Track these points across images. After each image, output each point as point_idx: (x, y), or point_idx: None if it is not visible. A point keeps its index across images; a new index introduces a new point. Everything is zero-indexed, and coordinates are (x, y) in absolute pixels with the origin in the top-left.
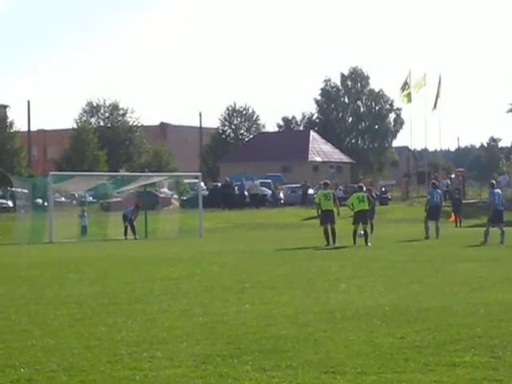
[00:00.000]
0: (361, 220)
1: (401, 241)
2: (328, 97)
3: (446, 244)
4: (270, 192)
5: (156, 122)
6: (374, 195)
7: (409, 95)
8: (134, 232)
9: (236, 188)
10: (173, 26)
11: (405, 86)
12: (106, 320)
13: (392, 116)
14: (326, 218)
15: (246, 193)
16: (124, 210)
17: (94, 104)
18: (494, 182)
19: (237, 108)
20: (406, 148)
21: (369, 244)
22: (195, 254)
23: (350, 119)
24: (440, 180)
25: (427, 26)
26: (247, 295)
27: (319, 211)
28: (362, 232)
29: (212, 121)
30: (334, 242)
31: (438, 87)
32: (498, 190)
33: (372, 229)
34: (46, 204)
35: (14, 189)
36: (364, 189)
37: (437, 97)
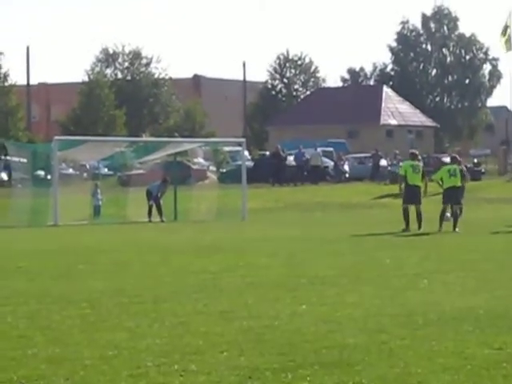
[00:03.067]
0: (452, 199)
1: (499, 226)
2: (406, 43)
3: None
4: (332, 163)
5: (188, 75)
6: (465, 168)
7: (508, 41)
8: (160, 213)
9: (292, 158)
10: None
11: (505, 30)
12: (125, 323)
13: (487, 68)
14: (412, 195)
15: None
16: (148, 186)
17: (111, 51)
18: None
19: (290, 57)
20: (504, 108)
21: (457, 230)
22: (237, 242)
23: (434, 72)
24: None
25: None
26: (303, 293)
27: (402, 186)
28: (449, 214)
29: (259, 73)
30: (420, 226)
31: None
32: None
33: (461, 211)
34: (49, 177)
35: (8, 158)
36: (458, 161)
37: None
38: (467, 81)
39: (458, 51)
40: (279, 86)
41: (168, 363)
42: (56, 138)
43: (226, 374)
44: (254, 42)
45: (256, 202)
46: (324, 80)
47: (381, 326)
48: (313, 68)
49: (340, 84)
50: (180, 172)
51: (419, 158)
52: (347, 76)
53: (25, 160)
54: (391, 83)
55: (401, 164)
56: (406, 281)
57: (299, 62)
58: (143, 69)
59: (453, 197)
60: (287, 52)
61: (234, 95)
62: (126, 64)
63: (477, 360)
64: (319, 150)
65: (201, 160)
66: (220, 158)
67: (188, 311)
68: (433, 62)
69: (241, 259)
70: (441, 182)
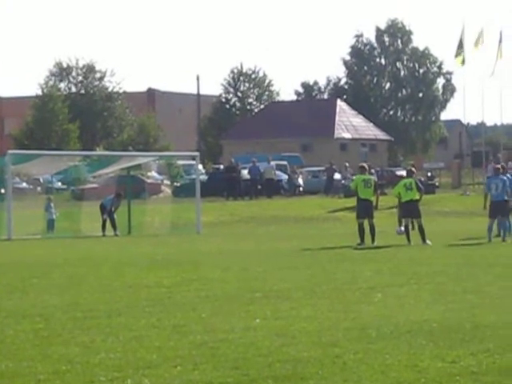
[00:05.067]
0: (410, 213)
1: (452, 239)
2: (360, 57)
3: (510, 244)
4: (286, 177)
5: (142, 88)
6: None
7: (462, 56)
8: (114, 227)
9: (247, 171)
10: None
11: (460, 44)
12: (79, 338)
13: (440, 81)
14: (365, 209)
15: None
16: (102, 200)
17: (64, 65)
18: (497, 166)
19: (244, 71)
20: (457, 122)
21: (428, 242)
22: (192, 255)
23: (388, 85)
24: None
25: None
26: (258, 307)
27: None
28: (403, 228)
29: (213, 87)
30: (373, 240)
31: (499, 47)
32: (503, 177)
33: (413, 225)
34: (2, 191)
35: None
36: (414, 174)
37: (497, 59)
38: (421, 94)
39: (411, 65)
40: (233, 100)
41: (121, 378)
42: (9, 151)
43: None
44: (208, 55)
45: (210, 216)
46: (278, 94)
47: (334, 340)
48: (267, 82)
49: (294, 98)
50: (134, 186)
51: (371, 171)
52: (301, 90)
53: None
54: (345, 97)
55: (353, 178)
56: (359, 294)
57: (253, 76)
58: (97, 82)
59: (411, 210)
60: (241, 65)
61: (188, 109)
62: (80, 78)
63: (430, 373)
64: (273, 163)
65: (155, 174)
66: (174, 172)
67: (142, 325)
68: (386, 75)
69: (195, 273)
70: (400, 197)
